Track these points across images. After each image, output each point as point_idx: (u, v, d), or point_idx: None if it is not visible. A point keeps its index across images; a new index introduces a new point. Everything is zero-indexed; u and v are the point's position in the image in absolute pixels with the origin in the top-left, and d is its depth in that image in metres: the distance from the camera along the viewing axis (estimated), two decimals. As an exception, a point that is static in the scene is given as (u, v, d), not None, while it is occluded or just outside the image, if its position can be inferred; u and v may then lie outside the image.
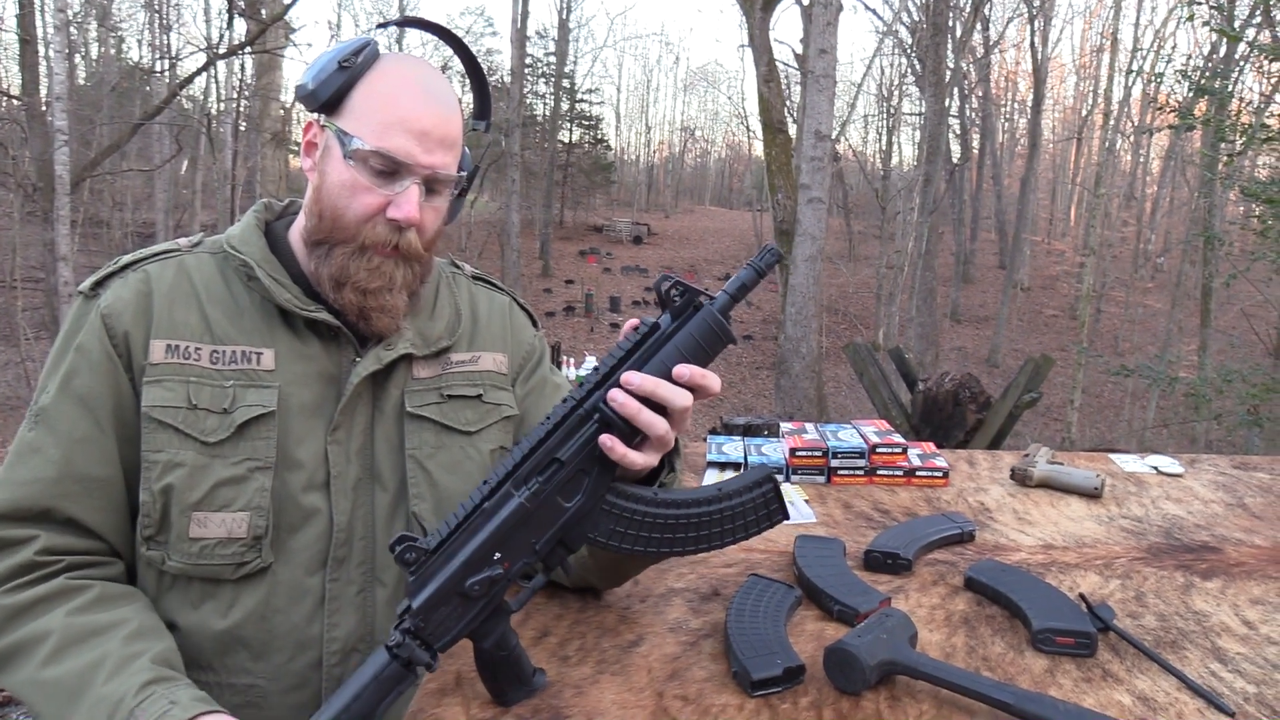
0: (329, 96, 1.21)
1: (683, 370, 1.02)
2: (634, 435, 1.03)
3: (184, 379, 1.20)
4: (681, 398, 1.02)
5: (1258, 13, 11.34)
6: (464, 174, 1.29)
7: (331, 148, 1.22)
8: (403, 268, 1.24)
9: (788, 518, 1.12)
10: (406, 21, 1.45)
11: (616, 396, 1.01)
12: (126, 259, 1.28)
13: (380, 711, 0.97)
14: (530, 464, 1.01)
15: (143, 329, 1.21)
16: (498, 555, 0.99)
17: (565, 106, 33.34)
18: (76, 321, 1.23)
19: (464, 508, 1.00)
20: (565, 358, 4.16)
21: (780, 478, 1.85)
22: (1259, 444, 9.98)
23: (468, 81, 1.40)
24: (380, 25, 1.34)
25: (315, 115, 1.24)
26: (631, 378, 1.01)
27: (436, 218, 1.27)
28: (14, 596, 1.12)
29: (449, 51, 1.37)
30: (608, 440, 1.01)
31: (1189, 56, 17.11)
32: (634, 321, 1.06)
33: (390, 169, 1.20)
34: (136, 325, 1.21)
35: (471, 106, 1.42)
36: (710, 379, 1.04)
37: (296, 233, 1.31)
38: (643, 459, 1.03)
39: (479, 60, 1.38)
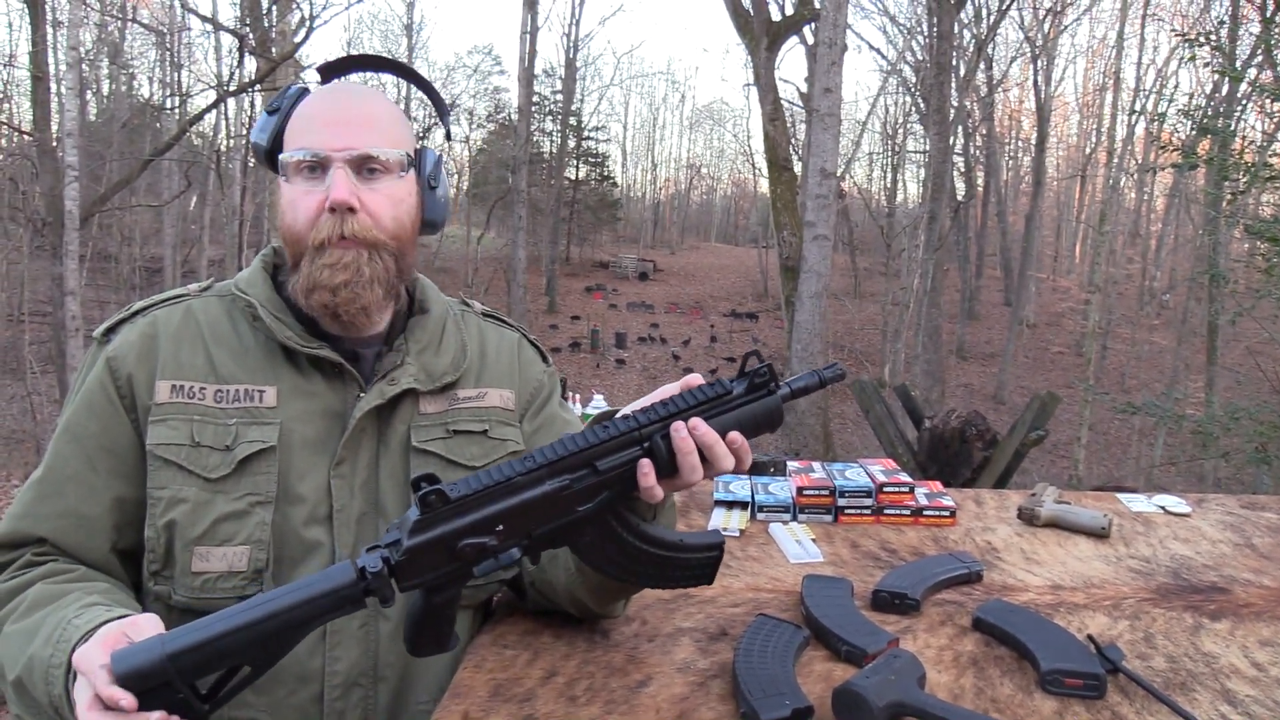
0: (269, 143, 1.28)
1: (736, 437, 1.12)
2: (669, 472, 1.09)
3: (188, 418, 1.23)
4: (727, 460, 1.11)
5: (1258, 52, 11.42)
6: (406, 153, 1.28)
7: (278, 182, 1.29)
8: (366, 256, 1.23)
9: (710, 583, 1.21)
10: (351, 61, 1.43)
11: (680, 430, 1.08)
12: (138, 305, 1.33)
13: (313, 628, 0.97)
14: (572, 461, 1.06)
15: (147, 370, 1.25)
16: (500, 528, 1.02)
17: (572, 144, 33.59)
18: (87, 365, 1.29)
19: (492, 475, 1.02)
20: (572, 394, 4.14)
21: (787, 516, 1.85)
22: (1268, 482, 9.91)
23: (431, 107, 1.46)
24: (322, 67, 1.36)
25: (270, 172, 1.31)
26: (699, 425, 1.09)
27: (388, 201, 1.26)
28: (6, 583, 1.18)
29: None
30: (645, 466, 1.08)
31: (1191, 96, 17.21)
32: (697, 377, 1.14)
33: (313, 163, 1.23)
34: (140, 367, 1.25)
35: (440, 126, 1.45)
36: (747, 456, 1.13)
37: None
38: (661, 494, 1.09)
39: (426, 78, 1.43)
